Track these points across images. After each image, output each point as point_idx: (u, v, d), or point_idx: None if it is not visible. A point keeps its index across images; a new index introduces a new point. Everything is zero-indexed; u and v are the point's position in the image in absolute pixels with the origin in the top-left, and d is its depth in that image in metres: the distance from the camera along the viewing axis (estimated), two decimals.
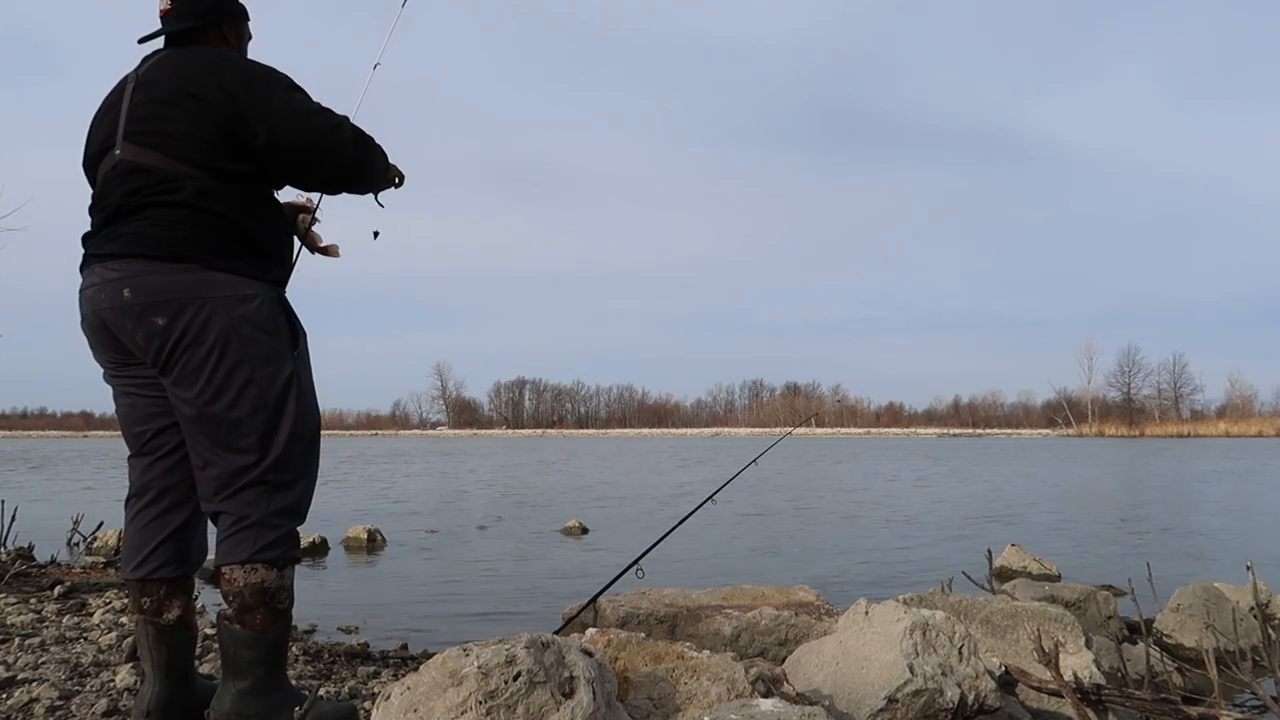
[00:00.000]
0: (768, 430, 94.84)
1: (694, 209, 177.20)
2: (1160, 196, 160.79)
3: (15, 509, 7.01)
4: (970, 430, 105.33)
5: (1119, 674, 3.23)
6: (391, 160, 2.50)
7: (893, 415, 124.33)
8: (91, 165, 2.38)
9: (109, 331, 2.26)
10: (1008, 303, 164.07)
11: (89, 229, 2.34)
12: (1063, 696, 2.73)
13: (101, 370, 2.42)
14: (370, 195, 2.54)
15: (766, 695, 2.27)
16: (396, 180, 2.55)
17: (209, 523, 2.31)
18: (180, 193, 2.19)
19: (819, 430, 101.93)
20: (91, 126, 2.40)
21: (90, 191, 2.41)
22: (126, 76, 2.38)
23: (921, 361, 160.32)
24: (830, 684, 2.53)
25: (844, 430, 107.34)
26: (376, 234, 2.64)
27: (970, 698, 2.49)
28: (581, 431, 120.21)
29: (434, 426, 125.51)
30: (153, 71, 2.31)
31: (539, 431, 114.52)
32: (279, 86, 2.28)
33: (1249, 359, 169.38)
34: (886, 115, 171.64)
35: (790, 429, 7.46)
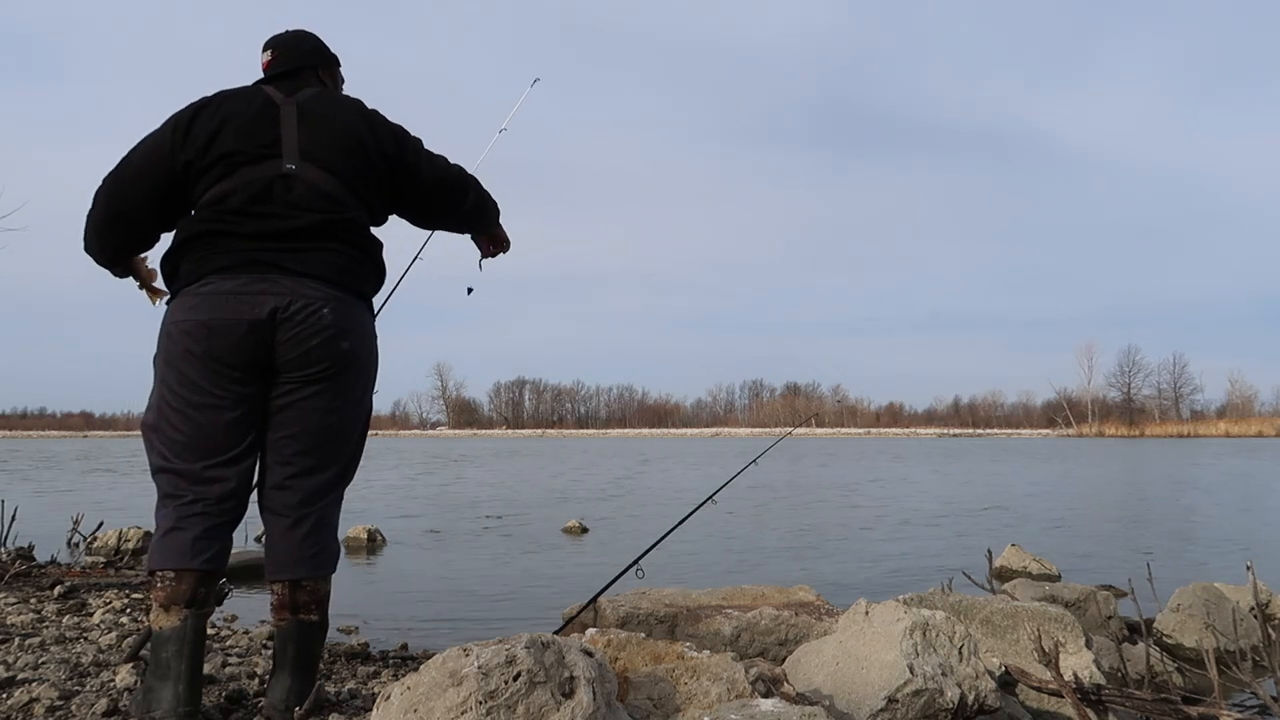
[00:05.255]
0: (768, 430, 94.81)
1: (694, 208, 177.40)
2: (1161, 196, 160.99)
3: (15, 509, 7.01)
4: (970, 430, 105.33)
5: (1119, 674, 3.24)
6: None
7: (893, 415, 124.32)
8: (228, 161, 2.40)
9: (265, 339, 2.32)
10: (1008, 303, 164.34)
11: (237, 228, 2.35)
12: (1063, 696, 2.73)
13: (197, 369, 2.32)
14: (476, 248, 2.94)
15: (766, 695, 2.27)
16: (505, 247, 2.97)
17: (278, 528, 2.45)
18: (362, 235, 2.51)
19: (819, 430, 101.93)
20: (216, 122, 2.42)
21: (157, 171, 2.41)
22: (264, 91, 2.51)
23: (921, 361, 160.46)
24: (830, 684, 2.53)
25: (844, 430, 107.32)
26: (470, 290, 3.11)
27: (970, 698, 2.50)
28: (581, 431, 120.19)
29: (434, 427, 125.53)
30: (315, 105, 2.53)
31: (539, 431, 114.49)
32: (415, 139, 2.64)
33: (1249, 359, 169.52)
34: (888, 114, 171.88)
35: (790, 429, 7.46)
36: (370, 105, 2.65)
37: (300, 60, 2.66)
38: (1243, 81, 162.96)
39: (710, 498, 4.12)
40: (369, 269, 2.54)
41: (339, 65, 2.80)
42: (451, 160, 2.72)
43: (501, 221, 2.92)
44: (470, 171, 2.78)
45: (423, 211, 2.73)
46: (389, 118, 2.64)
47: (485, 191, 2.79)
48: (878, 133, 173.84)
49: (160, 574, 2.29)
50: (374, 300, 2.64)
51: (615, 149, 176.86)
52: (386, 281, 2.67)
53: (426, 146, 2.68)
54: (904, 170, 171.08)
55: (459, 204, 2.72)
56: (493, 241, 2.95)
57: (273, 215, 2.38)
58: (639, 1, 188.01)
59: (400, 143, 2.58)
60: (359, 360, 2.47)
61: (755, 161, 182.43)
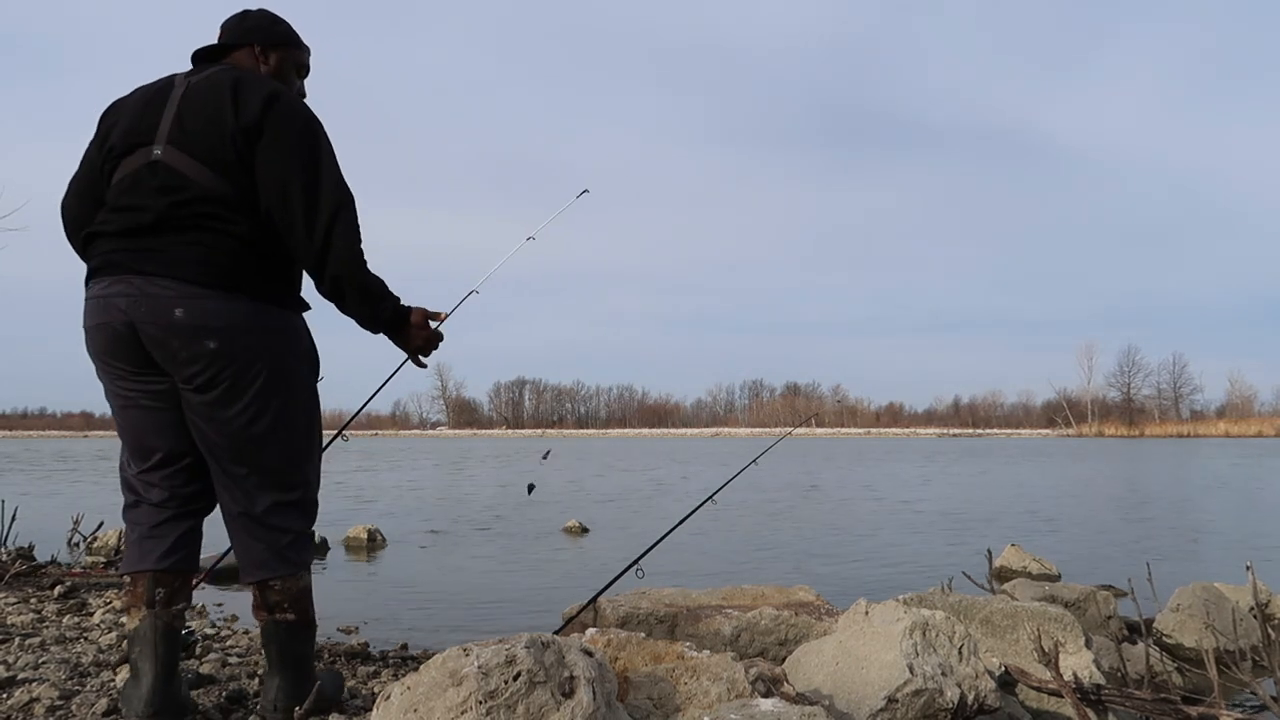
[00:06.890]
0: (768, 430, 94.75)
1: (694, 208, 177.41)
2: (1161, 197, 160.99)
3: (15, 509, 7.00)
4: (970, 430, 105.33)
5: (1119, 674, 3.24)
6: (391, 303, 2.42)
7: (893, 415, 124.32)
8: (112, 155, 2.32)
9: (136, 342, 2.25)
10: (1008, 303, 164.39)
11: (107, 227, 2.28)
12: (1063, 696, 2.73)
13: (101, 372, 2.38)
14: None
15: (766, 695, 2.27)
16: (425, 346, 2.54)
17: (238, 530, 2.43)
18: (227, 219, 2.24)
19: (819, 430, 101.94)
20: (117, 115, 2.36)
21: (89, 178, 2.38)
22: (174, 77, 2.39)
23: (921, 361, 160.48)
24: (830, 684, 2.53)
25: (844, 430, 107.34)
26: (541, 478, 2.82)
27: (970, 698, 2.50)
28: (581, 431, 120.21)
29: (434, 426, 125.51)
30: (199, 82, 2.33)
31: (539, 431, 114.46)
32: (303, 124, 2.29)
33: (1249, 359, 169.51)
34: (888, 115, 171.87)
35: (790, 429, 7.47)
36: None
37: (238, 38, 2.48)
38: (1244, 82, 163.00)
39: (710, 498, 4.12)
40: (246, 258, 2.26)
41: (294, 47, 2.55)
42: (353, 201, 2.31)
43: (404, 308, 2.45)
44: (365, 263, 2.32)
45: (266, 205, 2.26)
46: (296, 111, 2.31)
47: (355, 243, 2.30)
48: (878, 132, 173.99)
49: (126, 578, 2.40)
50: (272, 288, 2.32)
51: (615, 149, 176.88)
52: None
53: (336, 161, 2.31)
54: (905, 169, 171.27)
55: (303, 217, 2.24)
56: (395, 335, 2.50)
57: (131, 209, 2.25)
58: (635, 1, 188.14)
59: (266, 110, 2.24)
60: (240, 358, 2.24)
61: (756, 161, 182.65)
